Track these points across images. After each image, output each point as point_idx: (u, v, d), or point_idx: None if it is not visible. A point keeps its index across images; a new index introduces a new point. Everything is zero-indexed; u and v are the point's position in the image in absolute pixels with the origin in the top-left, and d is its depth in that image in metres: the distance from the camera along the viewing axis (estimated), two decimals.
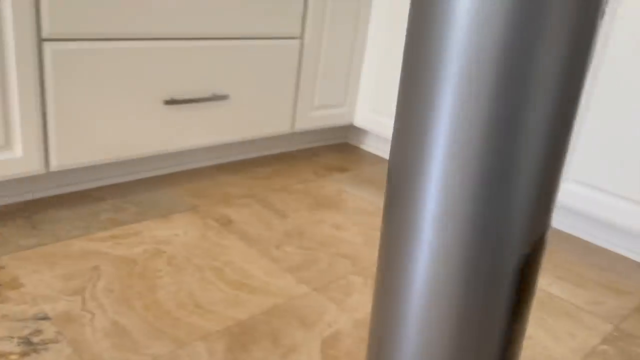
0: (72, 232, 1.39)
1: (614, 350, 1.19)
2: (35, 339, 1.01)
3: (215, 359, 1.02)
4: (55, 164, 1.43)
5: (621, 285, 1.46)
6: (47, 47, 1.33)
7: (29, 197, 1.53)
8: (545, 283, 1.42)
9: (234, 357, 1.03)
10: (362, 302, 1.24)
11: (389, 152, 2.19)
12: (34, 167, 1.39)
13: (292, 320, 1.16)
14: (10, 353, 0.97)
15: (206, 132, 1.74)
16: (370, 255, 1.44)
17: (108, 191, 1.64)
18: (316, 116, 2.05)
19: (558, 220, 1.75)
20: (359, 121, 2.17)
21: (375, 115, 2.11)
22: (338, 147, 2.29)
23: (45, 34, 1.32)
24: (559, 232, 1.72)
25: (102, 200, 1.57)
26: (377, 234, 1.55)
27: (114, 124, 1.51)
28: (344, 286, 1.30)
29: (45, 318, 1.08)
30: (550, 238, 1.67)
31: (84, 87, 1.43)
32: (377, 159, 2.21)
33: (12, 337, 1.01)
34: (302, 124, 2.02)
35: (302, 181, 1.89)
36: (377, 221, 1.64)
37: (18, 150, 1.36)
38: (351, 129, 2.36)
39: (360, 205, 1.75)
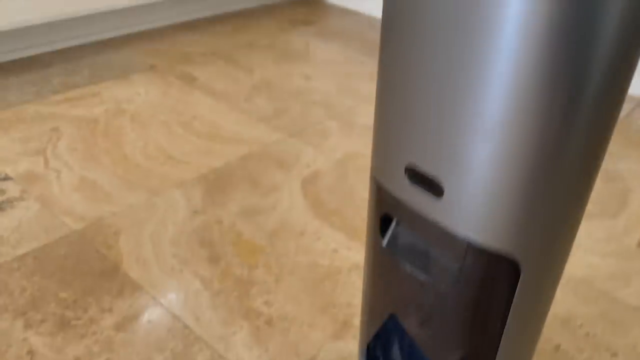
0: (24, 97, 1.29)
1: None
2: None
3: (193, 203, 0.99)
4: None
5: None
6: None
7: None
8: None
9: (212, 201, 1.00)
10: (339, 143, 1.21)
11: (354, 3, 2.07)
12: None
13: (269, 164, 1.12)
14: None
15: None
16: (344, 101, 1.39)
17: (57, 56, 1.50)
18: None
19: None
20: None
21: None
22: (302, 2, 2.14)
23: None
24: None
25: (51, 66, 1.45)
26: (350, 82, 1.50)
27: None
28: (320, 131, 1.26)
29: (6, 179, 1.02)
30: None
31: None
32: (343, 11, 2.08)
33: None
34: None
35: (266, 36, 1.77)
36: (349, 69, 1.57)
37: None
38: None
39: (330, 56, 1.67)
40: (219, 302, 0.79)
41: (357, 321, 0.78)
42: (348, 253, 0.90)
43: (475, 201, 0.34)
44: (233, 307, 0.79)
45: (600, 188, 1.13)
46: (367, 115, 1.33)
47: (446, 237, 0.37)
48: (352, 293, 0.82)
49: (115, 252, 0.87)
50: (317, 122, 1.29)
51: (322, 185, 1.07)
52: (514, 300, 0.37)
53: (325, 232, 0.95)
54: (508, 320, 0.38)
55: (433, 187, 0.36)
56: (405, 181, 0.38)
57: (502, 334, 0.40)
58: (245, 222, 0.95)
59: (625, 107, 1.50)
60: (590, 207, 1.07)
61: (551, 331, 0.79)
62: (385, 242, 0.43)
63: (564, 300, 0.84)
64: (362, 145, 1.20)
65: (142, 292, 0.80)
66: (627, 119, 1.43)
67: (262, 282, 0.83)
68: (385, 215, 0.43)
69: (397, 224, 0.43)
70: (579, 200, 0.36)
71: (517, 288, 0.37)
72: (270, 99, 1.38)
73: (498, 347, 0.41)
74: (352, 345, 0.74)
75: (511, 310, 0.38)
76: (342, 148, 1.20)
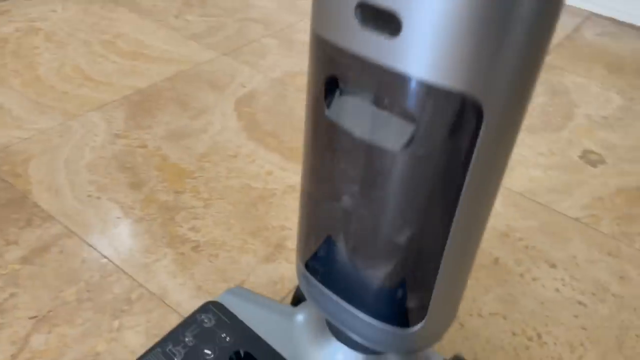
0: None
1: None
2: None
3: (114, 126, 0.91)
4: None
5: None
6: None
7: None
8: None
9: (136, 124, 0.92)
10: (278, 62, 1.13)
11: None
12: None
13: (201, 84, 1.04)
14: None
15: None
16: (286, 18, 1.30)
17: None
18: None
19: None
20: None
21: None
22: None
23: None
24: None
25: None
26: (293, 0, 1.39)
27: None
28: (257, 49, 1.17)
29: None
30: None
31: None
32: None
33: None
34: None
35: None
36: None
37: None
38: None
39: None
40: (140, 229, 0.73)
41: (290, 243, 0.74)
42: (283, 174, 0.85)
43: (437, 36, 0.29)
44: (156, 235, 0.73)
45: (545, 102, 1.10)
46: (307, 30, 1.25)
47: (402, 86, 0.31)
48: (285, 215, 0.78)
49: (23, 181, 0.79)
50: (255, 40, 1.20)
51: (258, 105, 1.00)
52: (474, 155, 0.33)
53: (260, 154, 0.89)
54: (464, 188, 0.34)
55: (389, 25, 0.30)
56: (354, 24, 0.31)
57: (455, 207, 0.35)
58: (172, 146, 0.88)
59: (573, 22, 1.46)
60: (534, 120, 1.04)
61: (490, 245, 0.77)
62: (329, 109, 0.37)
63: (504, 214, 0.83)
64: (302, 64, 1.12)
65: (53, 222, 0.73)
66: (575, 34, 1.40)
67: (190, 208, 0.78)
68: (330, 77, 0.36)
69: (343, 86, 0.37)
70: (541, 42, 0.32)
71: (479, 138, 0.32)
72: (203, 16, 1.27)
73: (450, 223, 0.36)
74: (283, 267, 0.70)
75: (470, 170, 0.34)
76: (281, 67, 1.12)
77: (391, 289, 0.39)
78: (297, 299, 0.59)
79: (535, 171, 0.92)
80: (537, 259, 0.76)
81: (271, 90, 1.04)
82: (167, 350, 0.50)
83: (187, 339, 0.51)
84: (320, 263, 0.43)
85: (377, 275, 0.39)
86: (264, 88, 1.04)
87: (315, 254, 0.43)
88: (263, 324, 0.53)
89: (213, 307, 0.53)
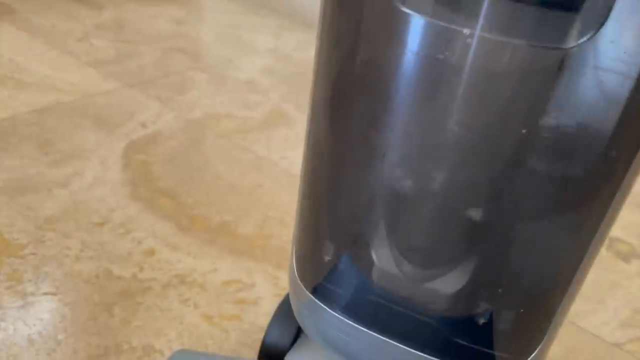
0: None
1: None
2: None
3: None
4: None
5: None
6: None
7: None
8: None
9: None
10: (201, 100, 0.85)
11: None
12: None
13: (82, 120, 0.75)
14: None
15: None
16: (222, 52, 1.04)
17: None
18: None
19: None
20: None
21: None
22: None
23: None
24: None
25: None
26: (236, 32, 1.14)
27: None
28: (177, 83, 0.90)
29: None
30: None
31: None
32: None
33: None
34: None
35: None
36: (239, 19, 1.22)
37: None
38: None
39: (214, 3, 1.31)
40: None
41: None
42: (171, 256, 0.55)
43: None
44: None
45: None
46: (249, 69, 0.99)
47: None
48: (158, 328, 0.47)
49: None
50: (176, 72, 0.93)
51: (158, 153, 0.71)
52: None
53: (141, 222, 0.59)
54: None
55: None
56: None
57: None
58: (4, 203, 0.58)
59: None
60: None
61: None
62: None
63: None
64: (233, 105, 0.85)
65: None
66: None
67: (8, 308, 0.47)
68: None
69: None
70: None
71: None
72: (115, 41, 1.00)
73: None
74: None
75: None
76: (203, 106, 0.84)
77: (488, 307, 0.26)
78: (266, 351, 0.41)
79: None
80: None
81: (182, 134, 0.76)
82: None
83: None
84: (348, 282, 0.28)
85: (466, 286, 0.25)
86: (173, 131, 0.76)
87: (340, 270, 0.28)
88: None
89: None
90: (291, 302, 0.33)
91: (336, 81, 0.25)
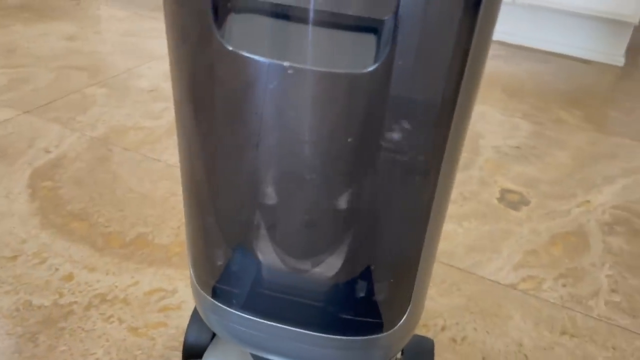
0: None
1: None
2: None
3: None
4: None
5: None
6: None
7: None
8: None
9: None
10: (104, 116, 0.85)
11: None
12: None
13: None
14: None
15: None
16: (121, 63, 1.03)
17: None
18: None
19: None
20: None
21: None
22: None
23: None
24: None
25: None
26: (133, 40, 1.13)
27: None
28: (76, 102, 0.89)
29: None
30: None
31: None
32: None
33: None
34: None
35: None
36: (132, 27, 1.21)
37: None
38: None
39: (109, 12, 1.29)
40: None
41: None
42: (90, 277, 0.56)
43: None
44: None
45: None
46: (150, 77, 0.99)
47: None
48: (86, 349, 0.48)
49: None
50: (74, 91, 0.92)
51: (65, 176, 0.71)
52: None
53: (56, 249, 0.60)
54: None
55: None
56: None
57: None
58: None
59: None
60: None
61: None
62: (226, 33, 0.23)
63: None
64: (138, 115, 0.86)
65: None
66: None
67: None
68: None
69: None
70: None
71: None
72: (5, 67, 0.97)
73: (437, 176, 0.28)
74: None
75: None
76: (107, 121, 0.84)
77: (363, 284, 0.30)
78: (189, 350, 0.44)
79: (447, 225, 0.70)
80: (471, 357, 0.53)
81: (88, 154, 0.76)
82: None
83: None
84: (242, 282, 0.31)
85: (344, 271, 0.30)
86: (78, 152, 0.76)
87: (232, 271, 0.31)
88: None
89: None
90: (196, 304, 0.36)
91: (189, 80, 0.27)
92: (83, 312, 0.53)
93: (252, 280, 0.31)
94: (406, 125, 0.25)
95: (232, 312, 0.32)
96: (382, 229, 0.29)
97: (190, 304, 0.55)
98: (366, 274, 0.30)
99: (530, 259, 0.65)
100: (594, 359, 0.53)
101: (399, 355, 0.44)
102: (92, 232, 0.62)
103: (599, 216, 0.74)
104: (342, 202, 0.28)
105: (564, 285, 0.62)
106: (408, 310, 0.32)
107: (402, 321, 0.32)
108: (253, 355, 0.38)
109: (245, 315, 0.32)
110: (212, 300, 0.33)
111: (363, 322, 0.32)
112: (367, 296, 0.31)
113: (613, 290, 0.62)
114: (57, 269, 0.57)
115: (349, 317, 0.31)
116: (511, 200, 0.76)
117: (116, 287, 0.56)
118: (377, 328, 0.32)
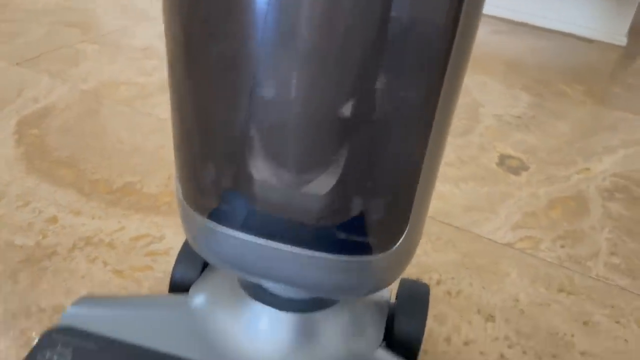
0: None
1: None
2: None
3: None
4: None
5: None
6: None
7: None
8: None
9: None
10: (96, 70, 0.83)
11: None
12: None
13: None
14: None
15: None
16: (114, 21, 1.00)
17: None
18: None
19: None
20: None
21: None
22: None
23: None
24: None
25: None
26: (130, 1, 1.11)
27: None
28: (67, 55, 0.86)
29: None
30: None
31: None
32: None
33: None
34: None
35: None
36: None
37: None
38: None
39: None
40: None
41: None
42: (75, 221, 0.54)
43: None
44: None
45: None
46: (144, 37, 0.96)
47: None
48: (68, 288, 0.46)
49: None
50: (66, 46, 0.89)
51: (53, 126, 0.69)
52: None
53: (41, 193, 0.58)
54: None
55: None
56: None
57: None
58: None
59: None
60: None
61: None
62: None
63: None
64: (130, 72, 0.84)
65: None
66: None
67: None
68: None
69: None
70: None
71: None
72: None
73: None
74: None
75: None
76: (98, 76, 0.82)
77: (360, 201, 0.29)
78: (175, 286, 0.43)
79: (444, 186, 0.69)
80: (466, 309, 0.51)
81: (77, 105, 0.74)
82: None
83: None
84: (236, 199, 0.30)
85: (339, 184, 0.28)
86: (67, 103, 0.74)
87: (223, 187, 0.30)
88: (146, 330, 0.36)
89: (59, 336, 0.35)
90: (184, 229, 0.34)
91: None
92: (67, 253, 0.51)
93: (244, 196, 0.30)
94: (415, 12, 0.23)
95: (222, 231, 0.31)
96: (382, 139, 0.27)
97: (178, 251, 0.53)
98: (362, 190, 0.29)
99: (528, 221, 0.64)
100: (591, 315, 0.52)
101: (392, 300, 0.43)
102: (79, 178, 0.60)
103: (599, 183, 0.72)
104: (342, 109, 0.26)
105: (562, 246, 0.60)
106: (405, 232, 0.30)
107: (398, 243, 0.30)
108: (242, 285, 0.36)
109: (236, 234, 0.30)
110: (202, 218, 0.31)
111: (358, 242, 0.30)
112: (363, 214, 0.29)
113: (612, 253, 0.60)
114: (41, 212, 0.55)
115: (344, 235, 0.30)
116: (510, 165, 0.74)
117: (101, 231, 0.54)
118: (373, 248, 0.30)
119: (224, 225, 0.31)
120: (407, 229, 0.31)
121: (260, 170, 0.29)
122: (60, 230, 0.53)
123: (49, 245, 0.52)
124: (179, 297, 0.39)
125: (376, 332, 0.38)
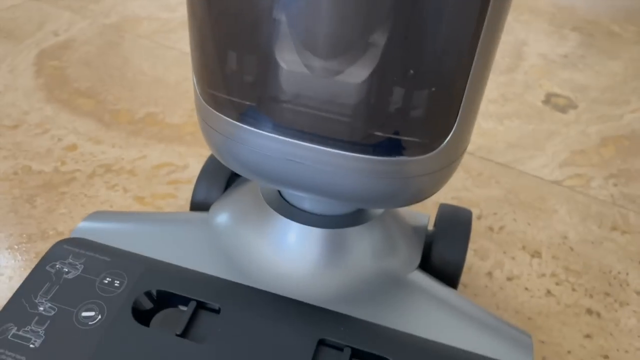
0: None
1: None
2: None
3: None
4: None
5: None
6: None
7: None
8: None
9: None
10: (119, 5, 0.79)
11: None
12: None
13: None
14: None
15: None
16: None
17: None
18: None
19: None
20: None
21: None
22: None
23: None
24: None
25: None
26: None
27: None
28: None
29: None
30: None
31: None
32: None
33: None
34: None
35: None
36: None
37: None
38: None
39: None
40: None
41: None
42: (95, 149, 0.51)
43: None
44: None
45: None
46: None
47: None
48: (87, 212, 0.45)
49: None
50: None
51: (73, 58, 0.66)
52: None
53: (60, 121, 0.55)
54: None
55: None
56: None
57: None
58: None
59: None
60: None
61: None
62: None
63: (451, 183, 0.53)
64: (153, 7, 0.80)
65: None
66: None
67: None
68: None
69: None
70: None
71: None
72: None
73: None
74: None
75: None
76: (121, 11, 0.79)
77: (402, 91, 0.25)
78: (196, 206, 0.40)
79: (487, 122, 0.64)
80: (510, 245, 0.47)
81: (98, 39, 0.71)
82: (10, 336, 0.28)
83: (41, 308, 0.29)
84: (264, 95, 0.26)
85: (379, 69, 0.24)
86: (88, 36, 0.71)
87: (252, 83, 0.26)
88: (163, 244, 0.33)
89: (70, 247, 0.32)
90: (206, 139, 0.31)
91: None
92: (86, 179, 0.49)
93: (272, 91, 0.26)
94: None
95: (249, 134, 0.27)
96: (433, 14, 0.23)
97: None
98: (405, 78, 0.25)
99: (577, 158, 0.59)
100: None
101: (430, 227, 0.39)
102: (99, 108, 0.58)
103: None
104: None
105: (615, 185, 0.55)
106: (451, 133, 0.26)
107: (442, 145, 0.26)
108: (268, 201, 0.33)
109: (265, 135, 0.27)
110: (226, 121, 0.28)
111: (398, 141, 0.26)
112: (406, 107, 0.25)
113: None
114: (60, 139, 0.53)
115: (381, 132, 0.26)
116: (557, 104, 0.69)
117: (122, 159, 0.51)
118: (415, 149, 0.26)
119: (251, 126, 0.27)
120: (453, 129, 0.27)
121: (290, 56, 0.26)
122: (79, 157, 0.51)
123: (68, 171, 0.49)
124: (199, 214, 0.36)
125: (412, 255, 0.34)
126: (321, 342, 0.29)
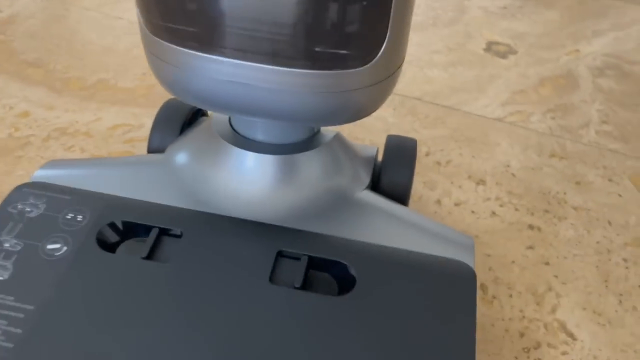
0: None
1: None
2: None
3: None
4: None
5: None
6: None
7: None
8: None
9: None
10: None
11: None
12: None
13: None
14: None
15: None
16: None
17: None
18: None
19: None
20: None
21: None
22: None
23: None
24: None
25: None
26: None
27: None
28: None
29: None
30: None
31: None
32: None
33: None
34: None
35: None
36: None
37: None
38: None
39: None
40: None
41: None
42: (48, 114, 0.52)
43: None
44: None
45: None
46: None
47: None
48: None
49: None
50: None
51: (18, 31, 0.65)
52: None
53: (10, 91, 0.55)
54: None
55: None
56: None
57: None
58: None
59: None
60: (419, 18, 0.79)
61: None
62: None
63: (400, 126, 0.55)
64: None
65: None
66: None
67: None
68: None
69: None
70: None
71: None
72: None
73: None
74: None
75: None
76: None
77: (335, 7, 0.27)
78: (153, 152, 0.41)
79: (432, 71, 0.66)
80: (456, 176, 0.50)
81: (42, 13, 0.70)
82: None
83: (7, 245, 0.30)
84: (206, 17, 0.28)
85: None
86: (32, 11, 0.70)
87: (195, 8, 0.28)
88: (122, 182, 0.35)
89: (30, 189, 0.34)
90: (154, 71, 0.32)
91: None
92: (41, 142, 0.49)
93: (214, 13, 0.27)
94: None
95: (194, 59, 0.28)
96: None
97: None
98: None
99: (517, 97, 0.62)
100: (583, 176, 0.51)
101: (379, 158, 0.41)
102: (49, 77, 0.58)
103: (589, 62, 0.71)
104: None
105: (552, 118, 0.59)
106: (384, 45, 0.29)
107: (377, 57, 0.29)
108: (221, 134, 0.35)
109: (210, 58, 0.28)
110: (172, 48, 0.29)
111: (334, 54, 0.28)
112: (339, 22, 0.27)
113: (604, 122, 0.59)
114: (11, 108, 0.53)
115: (319, 46, 0.28)
116: (498, 50, 0.72)
117: (77, 122, 0.52)
118: (350, 60, 0.28)
119: (196, 50, 0.28)
120: (385, 41, 0.29)
121: None
122: (32, 123, 0.51)
123: (22, 136, 0.49)
124: (155, 155, 0.38)
125: (362, 176, 0.36)
126: (280, 254, 0.31)
